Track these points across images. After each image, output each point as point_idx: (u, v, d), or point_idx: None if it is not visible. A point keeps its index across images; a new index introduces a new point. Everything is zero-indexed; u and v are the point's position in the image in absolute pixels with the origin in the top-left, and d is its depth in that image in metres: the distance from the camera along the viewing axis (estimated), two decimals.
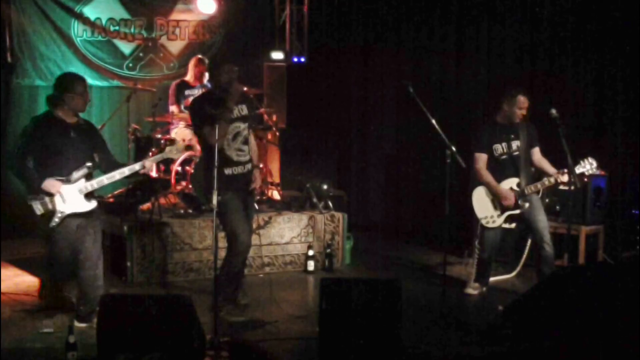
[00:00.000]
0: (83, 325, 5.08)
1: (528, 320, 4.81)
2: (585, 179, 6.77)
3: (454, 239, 7.53)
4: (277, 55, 9.61)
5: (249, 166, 5.61)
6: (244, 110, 5.57)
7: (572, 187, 5.76)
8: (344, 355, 4.50)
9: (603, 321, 4.47)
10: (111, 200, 7.33)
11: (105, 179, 5.13)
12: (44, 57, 8.77)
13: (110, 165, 5.25)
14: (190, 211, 7.03)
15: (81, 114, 5.23)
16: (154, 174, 7.38)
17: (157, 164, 7.39)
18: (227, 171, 5.46)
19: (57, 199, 4.95)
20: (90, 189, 5.07)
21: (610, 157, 7.02)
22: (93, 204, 5.11)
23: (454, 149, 5.48)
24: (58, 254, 5.14)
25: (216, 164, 5.10)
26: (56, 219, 4.97)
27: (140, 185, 7.14)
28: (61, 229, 5.02)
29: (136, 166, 5.19)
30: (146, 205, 7.04)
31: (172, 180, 7.31)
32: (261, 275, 6.92)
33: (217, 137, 5.07)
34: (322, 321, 4.57)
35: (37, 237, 5.31)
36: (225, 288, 5.55)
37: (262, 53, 9.59)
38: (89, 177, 5.09)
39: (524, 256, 6.89)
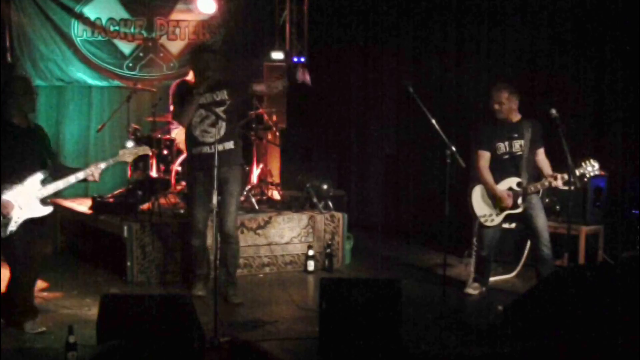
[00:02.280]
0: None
1: (528, 320, 4.81)
2: (585, 179, 6.77)
3: (454, 239, 7.52)
4: (277, 55, 9.60)
5: (219, 147, 5.65)
6: (219, 95, 5.85)
7: (572, 188, 5.76)
8: (344, 355, 4.50)
9: (603, 321, 4.47)
10: (111, 200, 7.33)
11: (61, 184, 5.05)
12: (44, 57, 8.76)
13: (60, 169, 5.18)
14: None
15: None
16: (153, 174, 7.39)
17: (157, 165, 7.40)
18: (195, 151, 5.87)
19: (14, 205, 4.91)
20: (45, 194, 5.00)
21: (610, 157, 7.02)
22: (49, 208, 5.05)
23: (454, 149, 5.48)
24: (19, 261, 5.05)
25: (216, 164, 5.14)
26: (13, 225, 4.90)
27: (140, 185, 7.15)
28: (19, 236, 4.95)
29: (80, 175, 5.07)
30: (146, 205, 7.04)
31: (172, 180, 7.31)
32: (261, 275, 6.92)
33: (185, 118, 5.73)
34: (322, 321, 4.58)
35: None
36: (195, 269, 6.11)
37: (262, 53, 9.59)
38: (44, 181, 5.02)
39: (524, 256, 6.89)
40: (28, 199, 4.95)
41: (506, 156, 6.10)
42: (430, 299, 5.98)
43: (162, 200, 7.14)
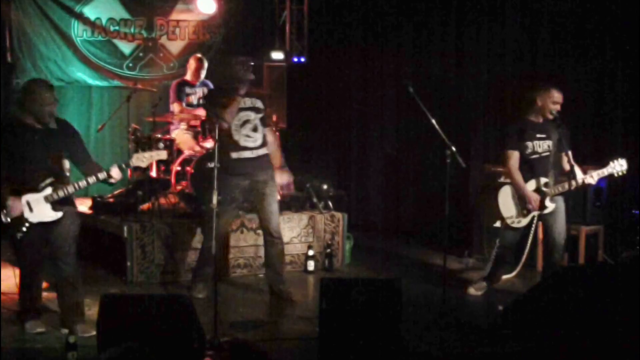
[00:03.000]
0: (65, 331, 4.98)
1: (528, 320, 4.81)
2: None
3: (454, 239, 7.52)
4: (277, 55, 9.61)
5: (259, 152, 5.90)
6: (257, 103, 5.94)
7: (572, 188, 5.75)
8: (344, 355, 4.50)
9: (603, 321, 4.48)
10: (111, 200, 7.33)
11: (71, 188, 4.96)
12: (44, 57, 8.77)
13: (89, 168, 5.09)
14: (190, 211, 7.03)
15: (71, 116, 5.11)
16: (153, 174, 7.39)
17: (157, 164, 7.39)
18: (234, 155, 5.83)
19: (24, 208, 4.85)
20: (56, 198, 4.91)
21: (610, 157, 7.01)
22: (59, 213, 4.95)
23: (454, 149, 5.47)
24: (26, 262, 5.06)
25: (217, 164, 5.14)
26: (23, 229, 4.86)
27: (140, 185, 7.15)
28: (28, 238, 4.92)
29: (100, 175, 4.98)
30: (146, 205, 7.04)
31: (172, 180, 7.31)
32: (261, 275, 6.91)
33: (228, 120, 5.63)
34: (322, 321, 4.57)
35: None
36: (199, 266, 6.07)
37: (262, 53, 9.60)
38: (58, 184, 4.93)
39: (524, 256, 6.87)
40: (39, 202, 4.90)
41: (534, 156, 5.98)
42: (430, 299, 5.98)
43: (162, 200, 7.14)
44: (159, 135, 7.52)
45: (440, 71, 8.63)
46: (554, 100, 5.93)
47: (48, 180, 4.91)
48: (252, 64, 5.95)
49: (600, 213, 6.99)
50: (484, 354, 4.85)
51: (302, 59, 9.82)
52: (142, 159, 5.12)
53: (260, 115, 5.94)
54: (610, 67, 7.14)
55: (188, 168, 7.22)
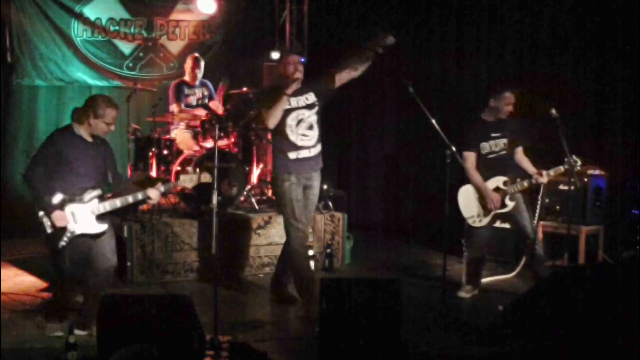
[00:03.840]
0: (82, 333, 4.95)
1: (528, 320, 4.81)
2: (585, 179, 6.78)
3: (454, 239, 7.50)
4: (277, 55, 9.60)
5: (316, 150, 5.82)
6: (309, 99, 5.81)
7: (572, 187, 5.75)
8: (344, 355, 4.50)
9: (603, 321, 4.48)
10: None
11: (118, 202, 5.03)
12: (44, 57, 8.77)
13: (120, 184, 5.17)
14: (190, 211, 7.03)
15: None
16: (153, 174, 7.39)
17: (157, 165, 7.40)
18: (292, 155, 5.73)
19: (69, 219, 4.88)
20: (102, 210, 4.97)
21: (610, 157, 7.02)
22: (104, 226, 5.01)
23: (454, 149, 5.47)
24: (65, 269, 5.04)
25: (216, 163, 5.13)
26: (65, 239, 4.87)
27: (140, 185, 7.14)
28: (70, 247, 4.93)
29: (139, 195, 5.07)
30: (146, 205, 7.03)
31: (172, 180, 7.30)
32: (261, 275, 6.92)
33: (274, 121, 5.58)
34: (322, 321, 4.58)
35: (38, 239, 5.21)
36: (288, 277, 5.90)
37: (262, 53, 9.59)
38: (102, 197, 4.99)
39: (524, 256, 6.88)
40: (84, 214, 4.92)
41: (492, 155, 6.04)
42: (430, 299, 5.98)
43: (162, 200, 7.13)
44: (159, 136, 7.52)
45: (440, 71, 8.64)
46: (507, 102, 6.01)
47: (95, 193, 4.96)
48: (301, 63, 5.83)
49: (600, 213, 7.00)
50: (484, 354, 4.85)
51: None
52: (189, 180, 5.20)
53: (314, 111, 5.79)
54: (610, 67, 7.14)
55: (188, 168, 7.21)
